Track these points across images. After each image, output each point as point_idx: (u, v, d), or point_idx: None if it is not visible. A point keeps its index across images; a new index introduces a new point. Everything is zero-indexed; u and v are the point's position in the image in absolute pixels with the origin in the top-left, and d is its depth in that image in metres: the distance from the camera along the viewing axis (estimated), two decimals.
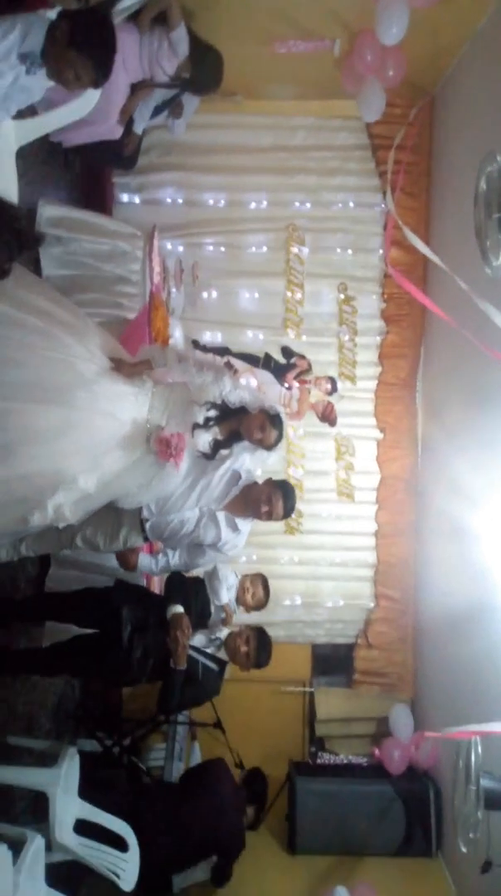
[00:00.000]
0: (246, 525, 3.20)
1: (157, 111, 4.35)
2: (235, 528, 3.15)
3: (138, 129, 4.34)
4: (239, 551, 3.41)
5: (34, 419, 2.50)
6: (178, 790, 4.00)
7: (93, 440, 2.67)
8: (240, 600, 3.92)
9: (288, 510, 3.17)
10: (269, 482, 3.17)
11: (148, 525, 3.10)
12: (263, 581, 3.99)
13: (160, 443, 2.76)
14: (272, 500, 3.08)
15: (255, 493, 3.11)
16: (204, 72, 4.09)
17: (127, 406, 2.79)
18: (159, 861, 3.55)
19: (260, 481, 3.19)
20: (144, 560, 3.39)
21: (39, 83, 2.65)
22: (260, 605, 3.98)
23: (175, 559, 3.37)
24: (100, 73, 2.51)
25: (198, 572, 3.94)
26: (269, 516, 3.11)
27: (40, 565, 4.20)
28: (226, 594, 3.78)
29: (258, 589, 3.94)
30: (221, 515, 3.13)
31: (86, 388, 2.63)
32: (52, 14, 2.57)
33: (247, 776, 4.24)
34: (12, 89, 2.60)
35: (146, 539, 3.18)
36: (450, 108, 5.06)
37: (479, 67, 4.44)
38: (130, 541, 3.13)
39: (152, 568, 3.43)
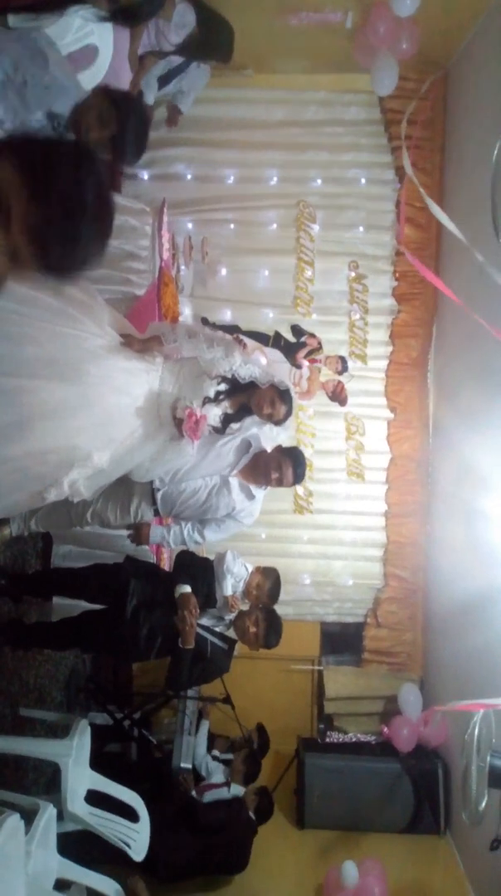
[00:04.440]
0: (260, 492, 3.18)
1: (165, 81, 4.30)
2: (250, 496, 3.14)
3: (149, 100, 4.30)
4: (253, 520, 3.35)
5: (47, 395, 2.51)
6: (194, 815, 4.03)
7: (106, 416, 2.69)
8: (247, 594, 3.72)
9: (298, 477, 3.15)
10: (279, 449, 3.17)
11: (159, 495, 3.09)
12: (274, 580, 3.73)
13: (189, 417, 2.76)
14: (282, 466, 3.07)
15: (265, 459, 3.11)
16: (214, 41, 4.04)
17: (138, 381, 2.79)
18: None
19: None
20: (156, 531, 3.33)
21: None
22: (265, 605, 3.68)
23: (187, 529, 3.28)
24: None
25: (209, 553, 3.93)
26: (279, 482, 3.10)
27: (45, 541, 4.22)
28: (229, 587, 3.65)
29: (264, 589, 3.68)
30: (234, 482, 3.11)
31: (97, 364, 2.64)
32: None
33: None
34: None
35: (157, 513, 3.18)
36: (465, 82, 4.97)
37: (495, 41, 4.35)
38: (141, 513, 3.14)
39: (165, 537, 3.33)
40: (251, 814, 4.20)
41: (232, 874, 4.07)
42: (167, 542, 3.38)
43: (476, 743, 2.94)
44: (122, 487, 3.08)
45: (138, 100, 2.66)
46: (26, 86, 2.36)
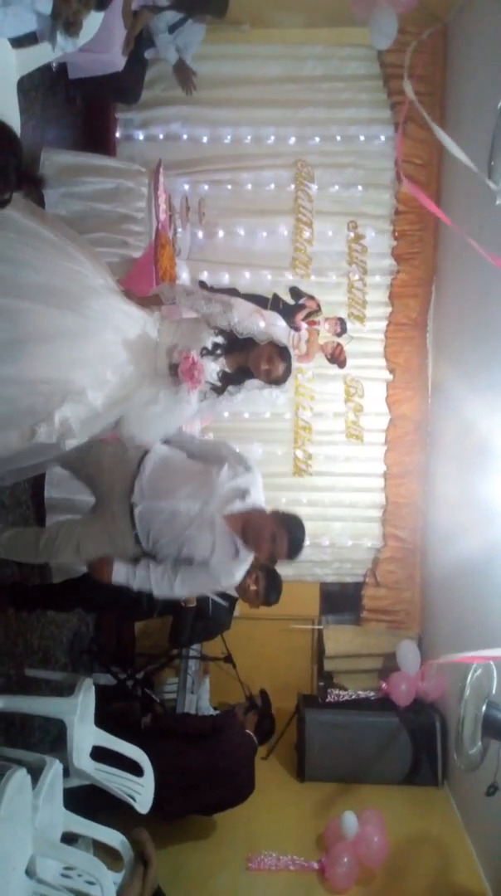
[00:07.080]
0: (247, 554, 2.90)
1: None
2: (234, 553, 2.86)
3: (169, 56, 4.33)
4: (231, 582, 3.00)
5: (46, 321, 2.49)
6: (192, 736, 4.09)
7: (103, 353, 2.66)
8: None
9: (294, 552, 2.91)
10: (276, 516, 2.91)
11: (138, 510, 2.86)
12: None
13: (185, 360, 2.74)
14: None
15: (257, 524, 2.82)
16: None
17: (136, 325, 2.78)
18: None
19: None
20: (120, 569, 2.86)
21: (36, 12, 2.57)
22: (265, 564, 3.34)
23: (156, 574, 2.86)
24: None
25: None
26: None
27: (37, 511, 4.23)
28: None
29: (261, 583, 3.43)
30: (220, 524, 2.83)
31: (98, 300, 2.63)
32: None
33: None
34: (6, 13, 2.53)
35: (137, 539, 2.90)
36: (465, 36, 4.86)
37: None
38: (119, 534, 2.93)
39: (130, 578, 2.87)
40: (250, 732, 4.23)
41: (238, 800, 4.04)
42: (130, 584, 2.89)
43: (468, 690, 3.01)
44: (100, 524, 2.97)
45: None
46: None
